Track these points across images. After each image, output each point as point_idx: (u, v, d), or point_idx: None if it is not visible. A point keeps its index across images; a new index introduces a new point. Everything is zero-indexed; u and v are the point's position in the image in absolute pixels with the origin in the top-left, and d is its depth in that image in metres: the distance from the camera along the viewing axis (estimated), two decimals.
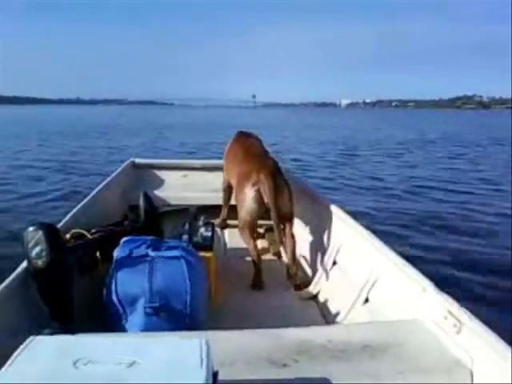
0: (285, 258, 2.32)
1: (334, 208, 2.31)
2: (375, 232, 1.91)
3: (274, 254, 2.54)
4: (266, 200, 2.08)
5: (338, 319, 1.76)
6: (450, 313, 1.23)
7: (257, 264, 2.17)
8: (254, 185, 2.11)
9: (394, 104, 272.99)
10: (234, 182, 2.41)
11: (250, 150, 2.46)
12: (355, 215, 2.28)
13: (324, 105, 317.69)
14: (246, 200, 2.12)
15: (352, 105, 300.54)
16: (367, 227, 2.00)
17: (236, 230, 2.33)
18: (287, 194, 2.17)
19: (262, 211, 2.12)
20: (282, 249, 2.39)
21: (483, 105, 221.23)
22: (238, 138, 2.75)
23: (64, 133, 17.04)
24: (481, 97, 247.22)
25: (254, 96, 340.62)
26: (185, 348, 0.87)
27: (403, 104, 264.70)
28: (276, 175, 2.15)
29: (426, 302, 1.35)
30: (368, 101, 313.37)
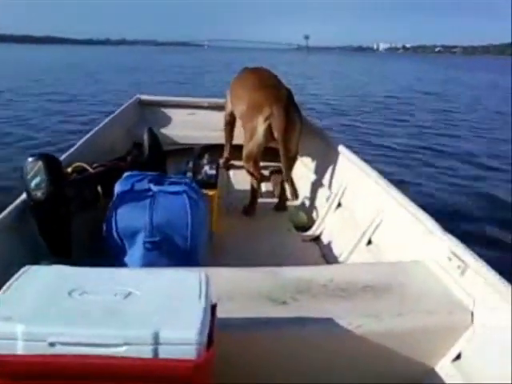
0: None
1: (340, 147, 2.19)
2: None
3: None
4: (275, 135, 1.98)
5: (340, 260, 1.74)
6: (454, 254, 1.20)
7: (254, 191, 2.19)
8: (266, 119, 1.98)
9: (437, 50, 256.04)
10: (240, 111, 2.23)
11: (263, 78, 2.26)
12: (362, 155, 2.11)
13: (360, 49, 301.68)
14: (257, 133, 2.02)
15: (390, 49, 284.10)
16: (375, 167, 1.89)
17: (240, 171, 2.26)
18: (298, 132, 2.05)
19: (269, 143, 2.04)
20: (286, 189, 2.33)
21: None
22: (249, 68, 2.54)
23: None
24: None
25: (306, 37, 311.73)
26: (183, 281, 0.86)
27: (448, 50, 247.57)
28: (290, 109, 2.02)
29: (430, 244, 1.30)
30: (408, 46, 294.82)
